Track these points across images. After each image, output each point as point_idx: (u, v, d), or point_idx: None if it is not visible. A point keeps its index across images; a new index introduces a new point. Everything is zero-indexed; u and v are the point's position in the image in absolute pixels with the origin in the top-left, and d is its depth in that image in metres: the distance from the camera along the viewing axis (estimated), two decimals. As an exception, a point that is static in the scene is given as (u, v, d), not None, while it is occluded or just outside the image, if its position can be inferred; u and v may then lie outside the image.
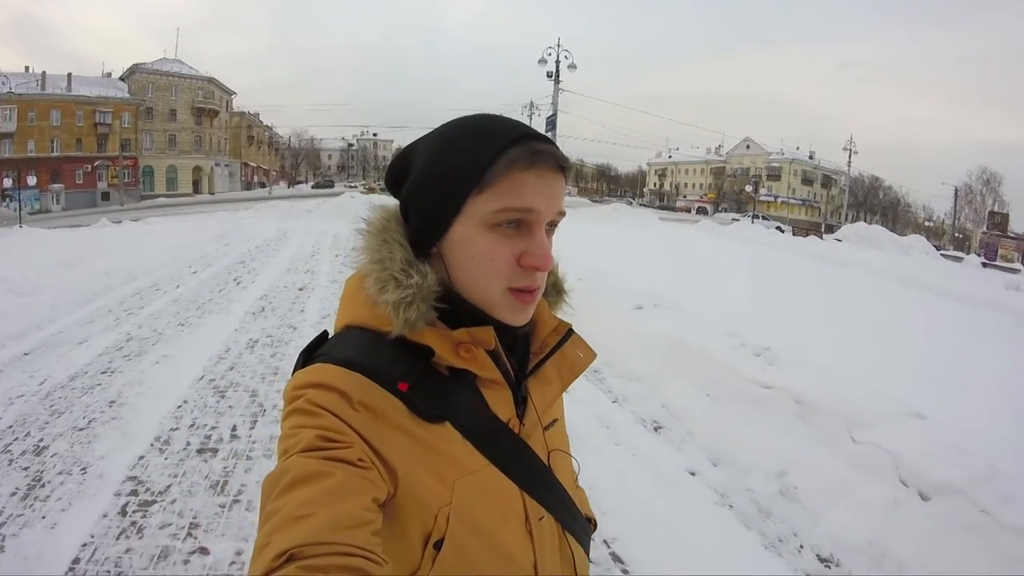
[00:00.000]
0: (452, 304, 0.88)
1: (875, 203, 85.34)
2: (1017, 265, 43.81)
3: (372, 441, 0.79)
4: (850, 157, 67.51)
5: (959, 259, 38.14)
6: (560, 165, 0.87)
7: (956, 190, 72.84)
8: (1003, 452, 3.92)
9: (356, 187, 73.87)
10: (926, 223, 79.37)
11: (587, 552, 1.10)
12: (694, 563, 3.22)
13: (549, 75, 37.00)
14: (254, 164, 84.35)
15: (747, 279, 11.79)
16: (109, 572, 2.97)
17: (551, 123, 38.74)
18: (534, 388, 0.99)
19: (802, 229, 44.25)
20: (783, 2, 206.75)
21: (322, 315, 8.30)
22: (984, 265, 35.31)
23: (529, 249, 0.86)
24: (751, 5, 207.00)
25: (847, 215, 72.04)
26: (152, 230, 19.11)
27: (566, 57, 36.25)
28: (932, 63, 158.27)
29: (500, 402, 0.92)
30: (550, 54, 36.16)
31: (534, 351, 1.00)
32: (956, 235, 71.79)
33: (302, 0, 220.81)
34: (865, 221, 59.22)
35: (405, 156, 0.95)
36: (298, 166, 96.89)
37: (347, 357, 0.84)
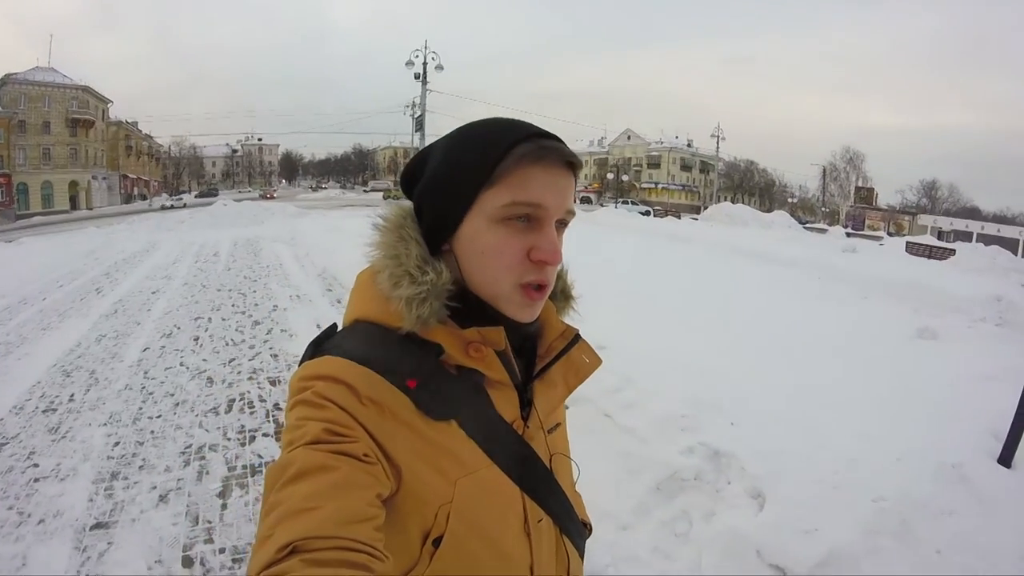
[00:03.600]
0: (464, 303, 0.90)
1: (751, 185, 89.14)
2: (881, 234, 47.16)
3: (378, 436, 0.80)
4: (718, 143, 71.39)
5: (824, 231, 41.27)
6: (569, 162, 0.90)
7: (824, 169, 78.24)
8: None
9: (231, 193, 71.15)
10: (790, 200, 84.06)
11: (582, 556, 1.12)
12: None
13: (416, 77, 37.19)
14: (134, 175, 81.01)
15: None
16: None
17: (419, 123, 39.55)
18: (539, 391, 1.01)
19: (662, 211, 46.99)
20: (671, 3, 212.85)
21: (165, 311, 9.73)
22: (848, 235, 37.63)
23: (538, 244, 0.88)
24: (639, 6, 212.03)
25: (722, 197, 75.77)
26: (23, 250, 19.57)
27: (433, 59, 36.61)
28: (809, 58, 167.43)
29: (505, 403, 0.95)
30: (417, 56, 36.45)
31: (541, 354, 1.02)
32: (823, 209, 76.86)
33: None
34: (743, 202, 62.81)
35: (421, 157, 0.98)
36: (180, 175, 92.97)
37: (356, 351, 0.86)
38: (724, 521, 3.40)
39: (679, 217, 41.64)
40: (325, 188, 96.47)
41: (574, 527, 1.08)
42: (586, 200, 75.26)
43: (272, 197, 66.17)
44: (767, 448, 3.85)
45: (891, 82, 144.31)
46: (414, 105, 45.96)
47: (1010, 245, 28.21)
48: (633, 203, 53.75)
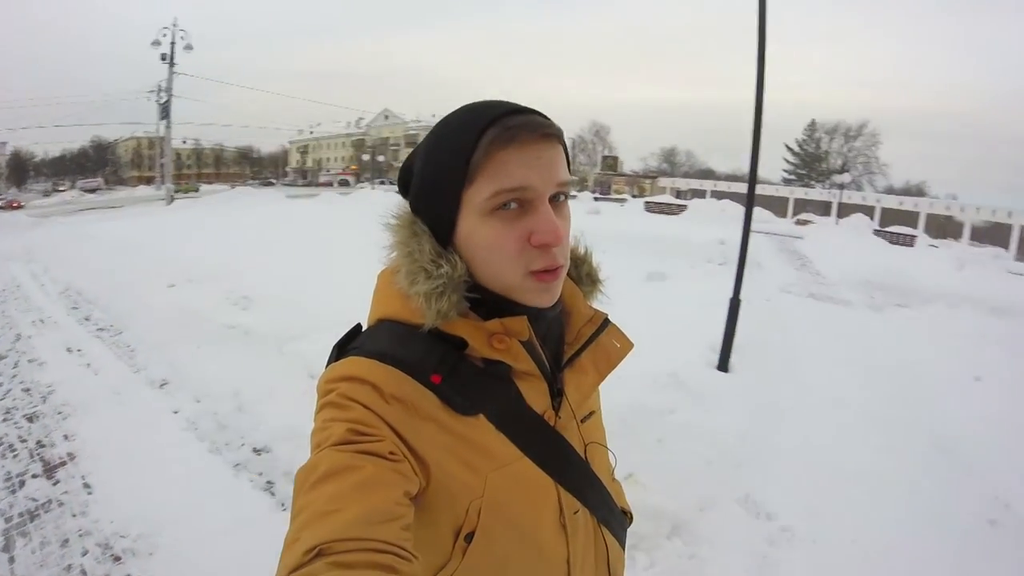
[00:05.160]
0: (483, 294, 0.88)
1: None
2: (626, 197, 51.72)
3: (404, 434, 0.80)
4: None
5: (574, 197, 44.26)
6: (546, 133, 0.85)
7: (572, 141, 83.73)
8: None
9: None
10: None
11: (623, 546, 1.12)
12: (152, 471, 4.20)
13: (163, 57, 35.10)
14: None
15: (301, 245, 13.64)
16: None
17: (165, 110, 37.05)
18: (570, 380, 0.98)
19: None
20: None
21: None
22: (596, 199, 41.64)
23: (536, 227, 0.84)
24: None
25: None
26: None
27: (182, 38, 34.94)
28: (571, 35, 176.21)
29: (535, 394, 0.92)
30: (165, 35, 34.52)
31: (569, 342, 0.99)
32: (573, 177, 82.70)
33: None
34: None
35: (410, 159, 0.95)
36: None
37: (380, 350, 0.85)
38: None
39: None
40: (61, 191, 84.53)
41: (613, 517, 1.08)
42: (344, 183, 75.40)
43: (18, 206, 53.67)
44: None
45: (639, 59, 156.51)
46: (160, 90, 42.78)
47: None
48: (391, 183, 54.03)
